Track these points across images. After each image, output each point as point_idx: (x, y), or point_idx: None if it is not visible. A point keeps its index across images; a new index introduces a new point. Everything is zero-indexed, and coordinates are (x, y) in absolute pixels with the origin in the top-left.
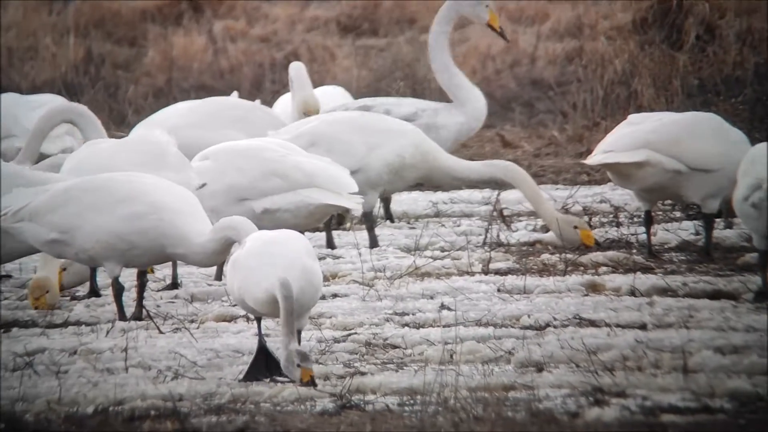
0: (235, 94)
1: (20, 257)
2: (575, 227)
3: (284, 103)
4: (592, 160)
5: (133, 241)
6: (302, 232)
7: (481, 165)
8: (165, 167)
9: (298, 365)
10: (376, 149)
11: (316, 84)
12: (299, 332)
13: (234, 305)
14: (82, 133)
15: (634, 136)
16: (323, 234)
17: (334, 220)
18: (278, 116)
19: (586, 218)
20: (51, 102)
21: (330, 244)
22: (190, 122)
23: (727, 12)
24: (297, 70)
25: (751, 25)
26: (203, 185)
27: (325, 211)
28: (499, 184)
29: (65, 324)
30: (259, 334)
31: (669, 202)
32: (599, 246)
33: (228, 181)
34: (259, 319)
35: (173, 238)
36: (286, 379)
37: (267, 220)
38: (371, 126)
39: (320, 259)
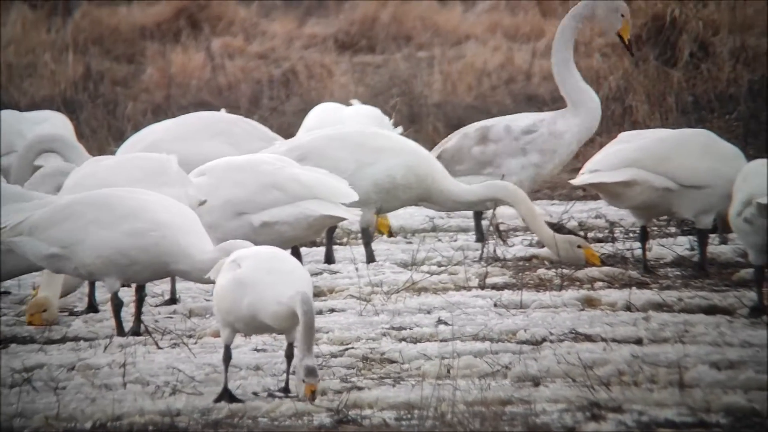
0: (223, 111)
1: (19, 275)
2: (579, 246)
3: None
4: (578, 180)
5: (134, 257)
6: (299, 245)
7: (480, 188)
8: (166, 184)
9: (303, 380)
10: (365, 168)
11: (315, 102)
12: (291, 346)
13: None
14: (65, 160)
15: (620, 155)
16: (320, 249)
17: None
18: (265, 129)
19: (582, 234)
20: (53, 118)
21: (329, 259)
22: (173, 137)
23: (721, 29)
24: None
25: (744, 42)
26: (204, 202)
27: (323, 222)
28: (496, 203)
29: (63, 340)
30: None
31: (664, 217)
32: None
33: (225, 196)
34: (227, 361)
35: (175, 255)
36: (282, 394)
37: (266, 233)
38: (365, 144)
39: (317, 273)
